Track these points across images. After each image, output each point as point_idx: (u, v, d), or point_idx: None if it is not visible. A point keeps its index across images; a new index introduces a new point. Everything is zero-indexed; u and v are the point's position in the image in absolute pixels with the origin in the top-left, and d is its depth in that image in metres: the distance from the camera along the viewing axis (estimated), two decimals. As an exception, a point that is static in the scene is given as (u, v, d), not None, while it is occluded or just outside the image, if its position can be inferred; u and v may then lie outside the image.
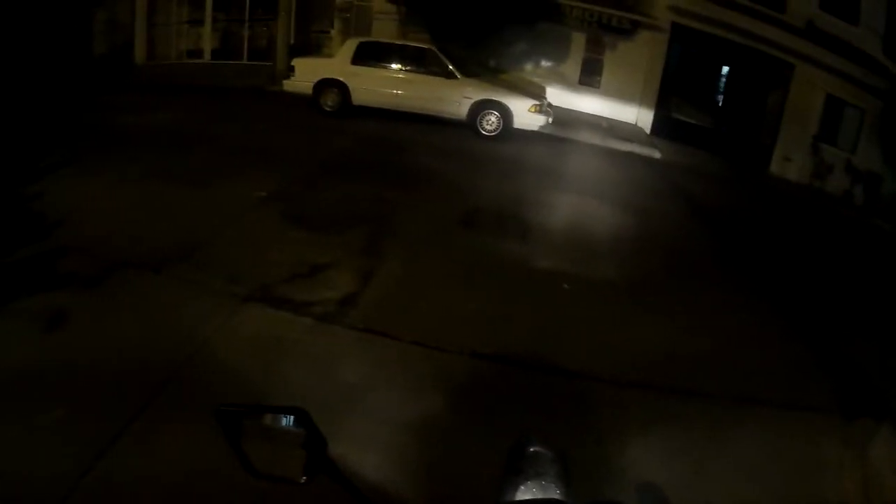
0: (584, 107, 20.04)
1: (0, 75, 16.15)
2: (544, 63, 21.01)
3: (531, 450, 2.18)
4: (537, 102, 15.06)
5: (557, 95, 18.20)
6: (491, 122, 14.79)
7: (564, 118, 17.33)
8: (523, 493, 2.03)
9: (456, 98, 14.79)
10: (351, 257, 7.61)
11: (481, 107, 14.77)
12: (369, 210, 9.31)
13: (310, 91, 15.02)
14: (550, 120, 15.35)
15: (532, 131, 15.09)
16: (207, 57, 20.04)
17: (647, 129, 20.15)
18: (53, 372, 4.97)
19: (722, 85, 21.28)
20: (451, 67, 14.89)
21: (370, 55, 15.09)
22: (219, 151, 11.37)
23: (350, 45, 15.36)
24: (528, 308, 7.18)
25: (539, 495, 2.03)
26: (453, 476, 4.35)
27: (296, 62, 15.48)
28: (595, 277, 8.28)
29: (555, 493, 2.03)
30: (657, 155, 17.32)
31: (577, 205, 11.43)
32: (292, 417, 1.72)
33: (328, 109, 14.99)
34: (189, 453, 4.21)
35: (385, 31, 19.50)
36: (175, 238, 7.69)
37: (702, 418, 5.63)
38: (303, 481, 1.71)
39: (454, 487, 4.26)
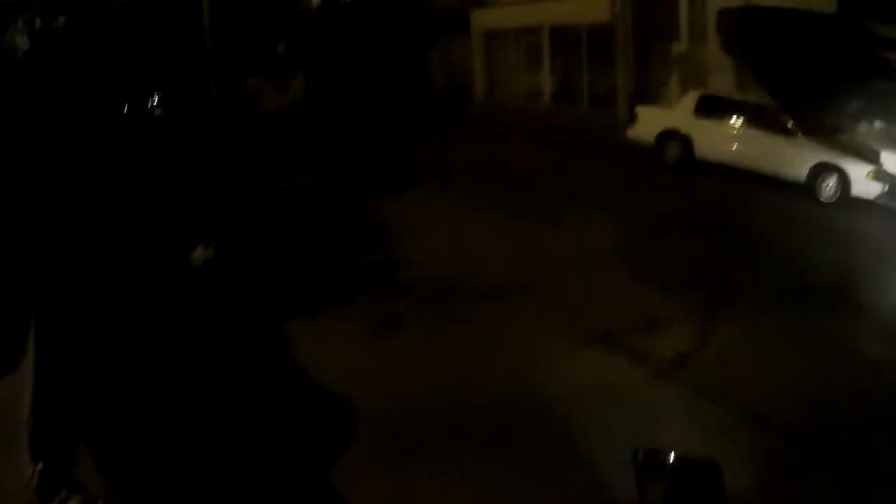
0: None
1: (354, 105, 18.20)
2: (877, 124, 19.55)
3: None
4: (874, 168, 14.12)
5: (891, 161, 16.85)
6: (830, 186, 14.06)
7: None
8: None
9: (796, 159, 14.33)
10: (688, 317, 7.83)
11: (820, 170, 14.15)
12: (708, 271, 9.41)
13: (652, 140, 15.40)
14: (886, 188, 14.25)
15: (866, 200, 14.01)
16: (547, 100, 21.00)
17: None
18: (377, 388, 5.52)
19: None
20: (791, 126, 14.52)
21: (711, 108, 15.18)
22: (561, 193, 11.99)
23: (692, 98, 15.55)
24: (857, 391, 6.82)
25: None
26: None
27: (639, 110, 15.96)
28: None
29: None
30: None
31: None
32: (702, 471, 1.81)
33: (670, 161, 15.22)
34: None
35: (721, 82, 19.29)
36: (514, 271, 8.34)
37: None
38: None
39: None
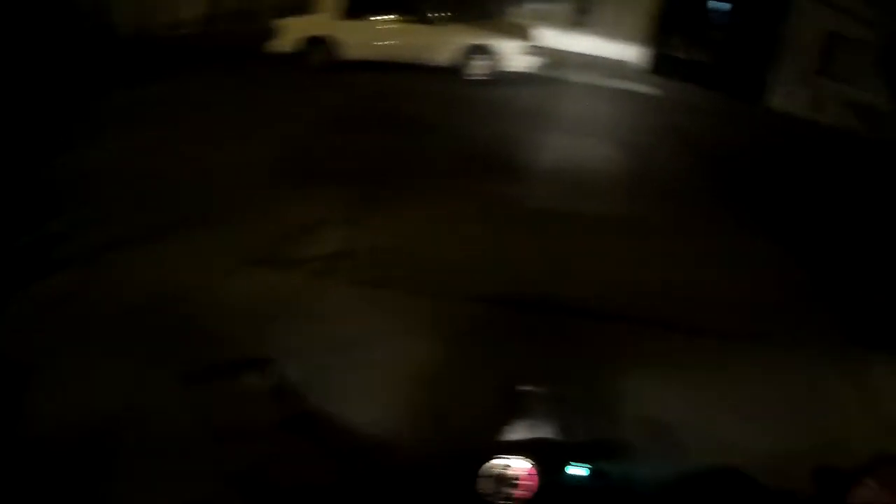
0: (575, 47, 19.69)
1: None
2: (532, 4, 20.67)
3: (522, 390, 2.33)
4: (525, 44, 15.03)
5: (547, 36, 17.90)
6: (480, 66, 14.69)
7: (554, 59, 17.10)
8: (514, 435, 2.11)
9: (444, 45, 14.67)
10: (348, 209, 7.63)
11: (470, 52, 14.66)
12: (367, 165, 9.29)
13: (297, 49, 14.76)
14: (539, 61, 15.22)
15: (521, 73, 14.98)
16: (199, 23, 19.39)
17: (644, 67, 19.74)
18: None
19: (722, 19, 20.38)
20: (437, 14, 14.71)
21: (356, 7, 14.80)
22: (215, 114, 11.08)
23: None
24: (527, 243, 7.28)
25: (530, 435, 2.10)
26: (449, 417, 4.44)
27: (280, 22, 15.17)
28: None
29: (546, 432, 2.11)
30: (653, 92, 17.07)
31: (566, 145, 11.26)
32: (261, 369, 1.69)
33: (317, 66, 14.68)
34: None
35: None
36: (170, 197, 7.56)
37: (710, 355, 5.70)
38: (274, 431, 1.69)
39: (450, 428, 4.33)
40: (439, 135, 10.84)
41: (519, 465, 1.64)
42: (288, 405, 3.69)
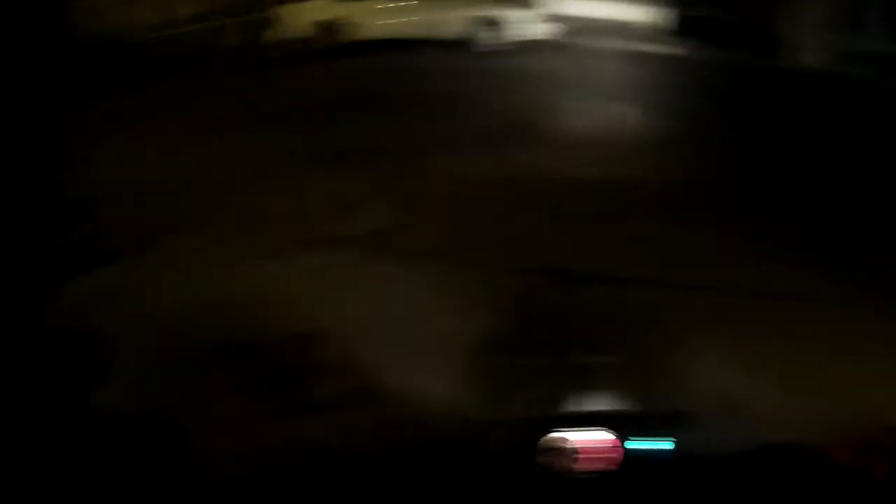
0: (591, 11, 19.57)
1: None
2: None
3: (571, 361, 2.45)
4: (541, 11, 14.97)
5: (565, 2, 17.85)
6: (491, 36, 14.58)
7: (574, 24, 16.99)
8: (578, 407, 2.48)
9: (454, 18, 14.62)
10: (375, 188, 7.60)
11: (482, 23, 14.57)
12: (384, 140, 9.14)
13: (303, 35, 14.34)
14: (554, 28, 15.11)
15: (536, 41, 14.80)
16: None
17: (662, 28, 19.61)
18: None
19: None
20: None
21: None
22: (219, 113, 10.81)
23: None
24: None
25: (596, 408, 2.51)
26: (502, 390, 4.37)
27: (281, 10, 14.75)
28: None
29: (608, 403, 2.49)
30: (674, 52, 16.95)
31: (587, 110, 11.39)
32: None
33: (324, 50, 14.15)
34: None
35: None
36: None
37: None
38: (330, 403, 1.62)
39: (505, 400, 4.23)
40: (455, 108, 10.75)
41: (580, 438, 1.70)
42: (339, 379, 3.74)
